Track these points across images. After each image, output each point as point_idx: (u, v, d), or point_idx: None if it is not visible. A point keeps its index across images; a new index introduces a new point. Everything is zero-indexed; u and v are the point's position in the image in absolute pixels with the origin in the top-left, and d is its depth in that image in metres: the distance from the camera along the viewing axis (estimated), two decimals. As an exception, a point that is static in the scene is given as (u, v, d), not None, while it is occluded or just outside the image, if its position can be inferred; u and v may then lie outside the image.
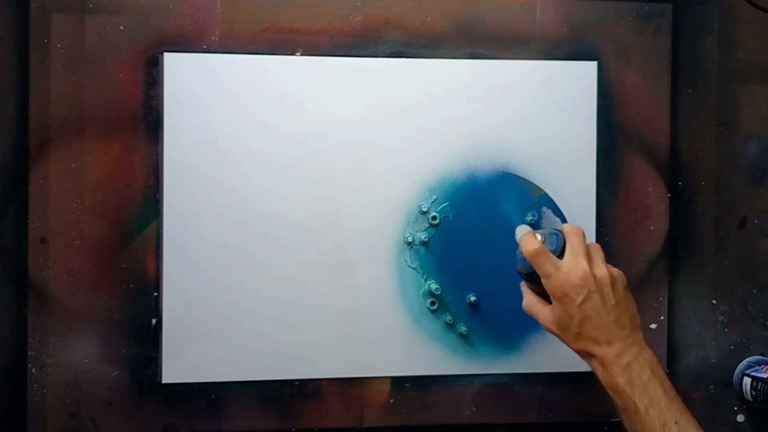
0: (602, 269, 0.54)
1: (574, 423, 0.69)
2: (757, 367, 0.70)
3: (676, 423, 0.50)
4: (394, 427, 0.67)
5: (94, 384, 0.63)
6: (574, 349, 0.54)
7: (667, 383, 0.52)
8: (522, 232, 0.58)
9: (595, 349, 0.52)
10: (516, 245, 0.58)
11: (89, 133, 0.63)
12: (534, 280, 0.56)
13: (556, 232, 0.56)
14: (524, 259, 0.56)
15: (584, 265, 0.53)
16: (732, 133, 0.71)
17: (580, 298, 0.52)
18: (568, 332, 0.54)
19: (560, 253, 0.55)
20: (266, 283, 0.65)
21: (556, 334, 0.55)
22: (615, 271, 0.54)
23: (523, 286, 0.59)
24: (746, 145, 0.71)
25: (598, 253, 0.55)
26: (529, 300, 0.58)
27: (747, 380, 0.69)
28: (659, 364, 0.53)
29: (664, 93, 0.70)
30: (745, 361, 0.70)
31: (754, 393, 0.68)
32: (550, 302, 0.55)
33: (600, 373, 0.53)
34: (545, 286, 0.54)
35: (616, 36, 0.69)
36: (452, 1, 0.67)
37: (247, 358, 0.65)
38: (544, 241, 0.55)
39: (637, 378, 0.51)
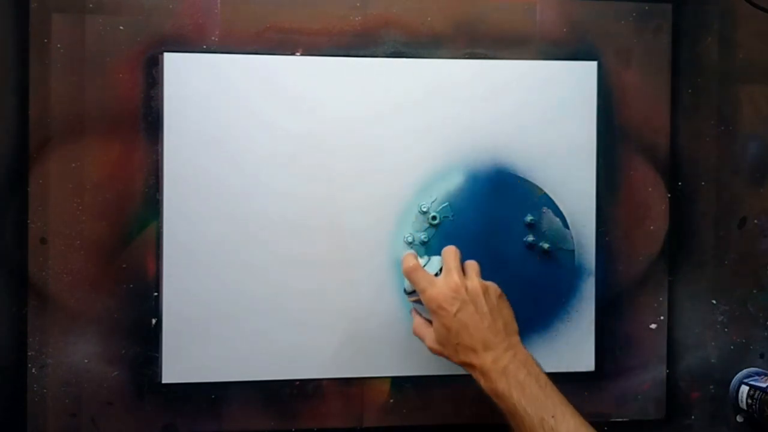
0: (474, 281, 0.56)
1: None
2: (756, 377, 0.70)
3: (553, 417, 0.51)
4: (394, 427, 0.67)
5: (94, 384, 0.63)
6: (457, 363, 0.55)
7: (543, 379, 0.53)
8: (404, 254, 0.60)
9: (474, 359, 0.54)
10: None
11: (89, 133, 0.63)
12: (419, 300, 0.59)
13: (438, 256, 0.59)
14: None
15: (455, 277, 0.56)
16: (732, 133, 0.71)
17: (454, 309, 0.54)
18: (448, 345, 0.55)
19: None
20: (266, 282, 0.65)
21: (440, 353, 0.56)
22: (488, 282, 0.57)
23: (413, 312, 0.62)
24: (746, 145, 0.71)
25: (472, 268, 0.58)
26: (417, 322, 0.60)
27: (744, 388, 0.69)
28: (535, 363, 0.54)
29: (664, 93, 0.70)
30: (744, 371, 0.71)
31: (750, 401, 0.68)
32: None
33: (482, 383, 0.54)
34: (423, 302, 0.57)
35: (616, 36, 0.69)
36: (452, 1, 0.67)
37: (247, 358, 0.65)
38: (426, 264, 0.58)
39: (513, 379, 0.52)
